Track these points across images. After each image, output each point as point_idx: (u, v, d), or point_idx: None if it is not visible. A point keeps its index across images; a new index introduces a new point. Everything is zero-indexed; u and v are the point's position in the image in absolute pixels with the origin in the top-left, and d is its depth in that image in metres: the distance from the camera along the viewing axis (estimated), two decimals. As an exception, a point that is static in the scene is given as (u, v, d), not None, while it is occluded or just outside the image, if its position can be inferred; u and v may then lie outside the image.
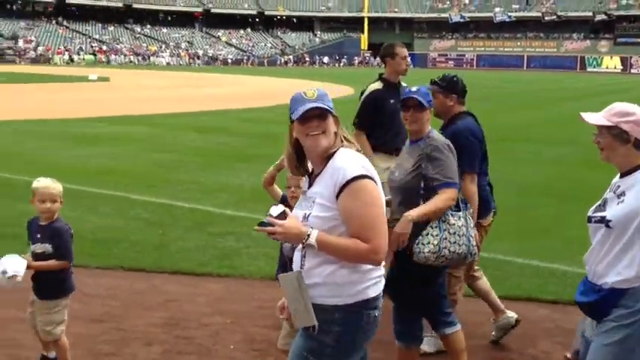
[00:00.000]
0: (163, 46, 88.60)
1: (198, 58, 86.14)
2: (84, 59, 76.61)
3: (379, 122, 6.11)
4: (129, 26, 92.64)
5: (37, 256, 4.41)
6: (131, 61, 79.66)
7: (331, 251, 2.87)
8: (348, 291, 2.90)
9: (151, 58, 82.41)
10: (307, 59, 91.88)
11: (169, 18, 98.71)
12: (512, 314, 5.30)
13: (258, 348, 5.24)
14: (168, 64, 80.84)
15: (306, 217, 2.93)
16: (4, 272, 4.20)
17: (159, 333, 5.33)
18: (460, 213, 4.22)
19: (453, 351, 4.45)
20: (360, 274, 2.92)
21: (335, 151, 2.94)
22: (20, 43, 77.63)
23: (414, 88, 4.44)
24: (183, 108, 25.08)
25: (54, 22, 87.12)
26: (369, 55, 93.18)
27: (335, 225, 2.89)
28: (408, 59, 6.35)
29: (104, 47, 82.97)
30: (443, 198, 4.14)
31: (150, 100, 28.15)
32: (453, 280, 4.96)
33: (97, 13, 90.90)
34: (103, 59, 78.53)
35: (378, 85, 6.22)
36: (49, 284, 4.44)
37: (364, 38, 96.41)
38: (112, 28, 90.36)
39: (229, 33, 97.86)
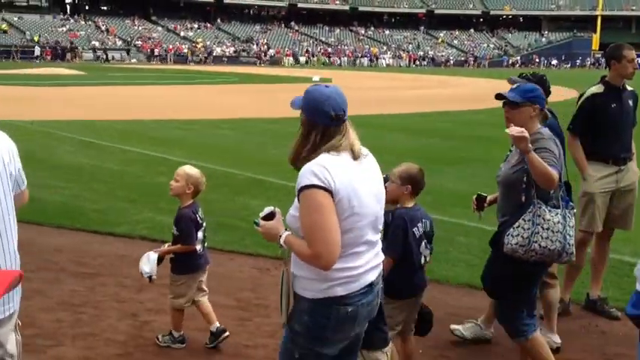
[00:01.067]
0: (385, 48, 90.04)
1: (423, 59, 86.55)
2: (317, 61, 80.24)
3: (597, 128, 5.81)
4: (353, 28, 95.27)
5: (172, 237, 5.21)
6: (354, 63, 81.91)
7: (295, 252, 3.07)
8: (314, 287, 3.07)
9: (374, 60, 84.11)
10: (537, 60, 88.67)
11: (393, 20, 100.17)
12: (557, 338, 5.20)
13: (447, 355, 5.21)
14: (388, 65, 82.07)
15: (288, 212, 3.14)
16: (142, 273, 5.00)
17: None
18: (558, 210, 4.10)
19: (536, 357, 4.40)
20: (322, 273, 3.01)
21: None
22: (253, 46, 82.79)
23: (514, 85, 4.34)
24: (397, 110, 25.32)
25: (283, 25, 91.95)
26: (599, 55, 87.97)
27: (300, 226, 3.05)
28: (638, 62, 5.98)
29: (329, 50, 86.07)
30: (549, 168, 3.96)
31: (366, 102, 28.69)
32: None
33: (324, 17, 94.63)
34: (337, 61, 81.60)
35: (598, 89, 5.91)
36: (174, 262, 5.22)
37: (596, 38, 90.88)
38: (337, 30, 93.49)
39: (450, 34, 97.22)
